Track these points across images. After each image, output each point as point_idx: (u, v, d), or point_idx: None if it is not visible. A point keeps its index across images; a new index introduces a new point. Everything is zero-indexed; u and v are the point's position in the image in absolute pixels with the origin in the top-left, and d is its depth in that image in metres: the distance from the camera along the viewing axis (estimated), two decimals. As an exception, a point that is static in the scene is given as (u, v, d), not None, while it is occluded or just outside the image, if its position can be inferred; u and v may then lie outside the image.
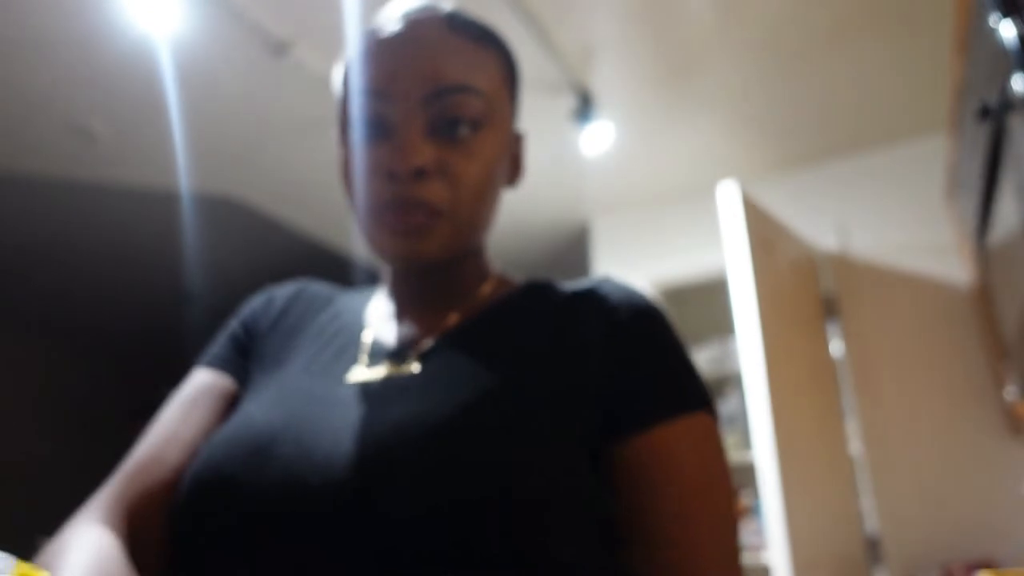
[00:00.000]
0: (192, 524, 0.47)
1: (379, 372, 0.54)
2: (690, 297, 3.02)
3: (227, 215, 3.12)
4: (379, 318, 0.62)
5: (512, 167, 0.64)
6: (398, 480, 0.43)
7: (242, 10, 1.92)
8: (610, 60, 2.22)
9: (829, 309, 2.55)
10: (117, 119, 2.40)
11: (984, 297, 1.97)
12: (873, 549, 2.26)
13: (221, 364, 0.62)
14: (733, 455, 2.54)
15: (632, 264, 3.03)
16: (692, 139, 2.67)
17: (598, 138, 2.44)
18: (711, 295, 2.84)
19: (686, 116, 2.52)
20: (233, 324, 0.66)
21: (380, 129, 0.54)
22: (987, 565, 2.06)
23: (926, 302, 2.45)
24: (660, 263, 2.96)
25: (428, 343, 0.56)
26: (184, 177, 2.74)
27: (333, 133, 0.61)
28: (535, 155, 2.38)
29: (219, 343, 0.65)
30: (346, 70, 0.57)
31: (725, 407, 2.71)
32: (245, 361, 0.63)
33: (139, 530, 0.50)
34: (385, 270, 0.64)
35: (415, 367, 0.54)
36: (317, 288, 0.70)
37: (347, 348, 0.58)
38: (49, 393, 4.74)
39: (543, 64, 2.13)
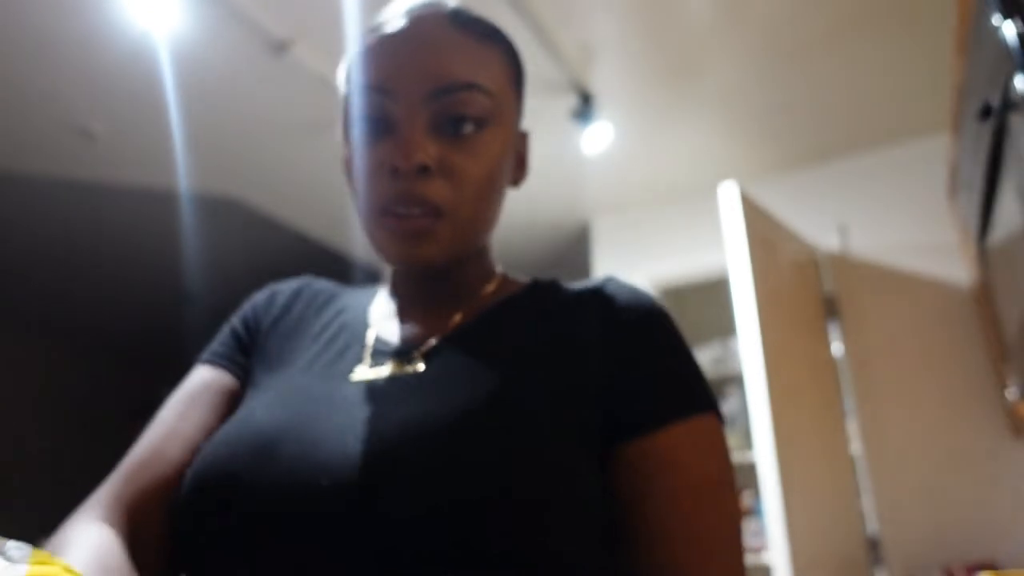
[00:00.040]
0: (194, 522, 0.47)
1: (383, 372, 0.54)
2: (690, 297, 3.02)
3: (227, 215, 3.12)
4: (382, 317, 0.62)
5: (517, 166, 0.63)
6: (404, 481, 0.43)
7: (241, 9, 1.92)
8: (610, 60, 2.22)
9: (830, 309, 2.54)
10: (116, 119, 2.40)
11: (985, 297, 1.97)
12: (873, 550, 2.26)
13: (222, 361, 0.62)
14: (733, 455, 2.53)
15: (632, 264, 3.02)
16: (692, 139, 2.67)
17: (598, 138, 2.44)
18: (711, 295, 2.84)
19: (687, 116, 2.52)
20: (235, 320, 0.66)
21: (383, 126, 0.54)
22: (988, 566, 2.06)
23: (927, 302, 2.45)
24: (660, 263, 2.96)
25: (432, 343, 0.56)
26: (183, 177, 2.74)
27: (337, 131, 0.61)
28: (535, 155, 2.37)
29: (220, 340, 0.64)
30: (350, 67, 0.57)
31: (726, 407, 2.71)
32: (247, 358, 0.62)
33: (139, 527, 0.50)
34: (387, 268, 0.64)
35: (419, 367, 0.53)
36: (320, 285, 0.69)
37: (350, 347, 0.58)
38: (49, 393, 4.74)
39: (543, 64, 2.12)
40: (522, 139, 0.63)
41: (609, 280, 0.59)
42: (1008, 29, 1.00)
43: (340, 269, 3.51)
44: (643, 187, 3.02)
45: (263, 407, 0.52)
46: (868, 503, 2.32)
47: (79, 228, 3.34)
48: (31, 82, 2.19)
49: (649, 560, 0.47)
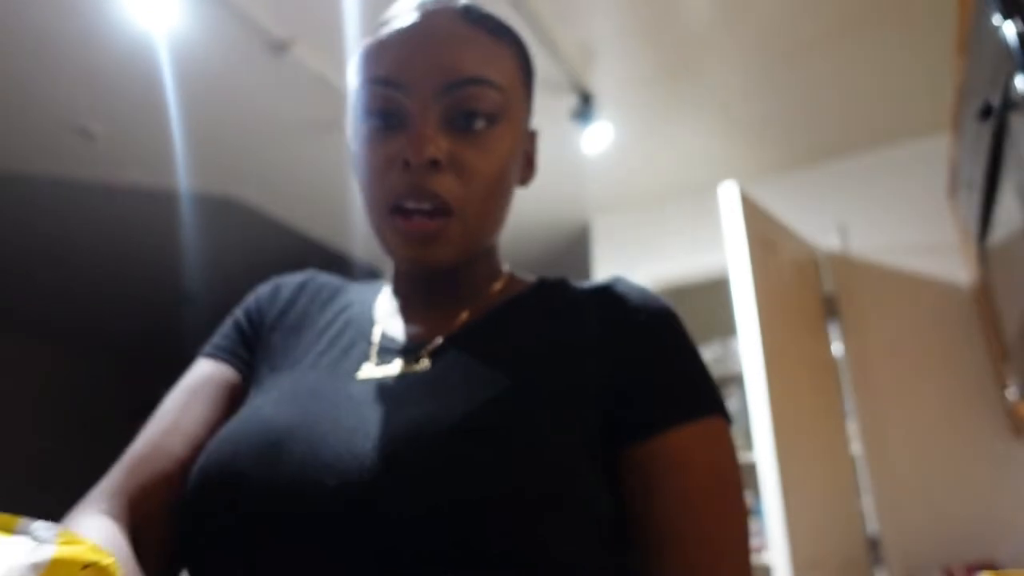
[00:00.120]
0: (198, 520, 0.47)
1: (389, 370, 0.54)
2: (690, 297, 3.02)
3: (227, 215, 3.12)
4: (387, 314, 0.61)
5: (525, 165, 0.63)
6: (412, 481, 0.43)
7: (241, 9, 1.92)
8: (610, 60, 2.22)
9: (830, 309, 2.54)
10: (116, 119, 2.40)
11: (985, 297, 1.97)
12: (873, 549, 2.26)
13: (224, 355, 0.61)
14: (733, 455, 2.53)
15: (632, 264, 3.02)
16: (692, 139, 2.67)
17: (598, 138, 2.44)
18: (712, 295, 2.84)
19: (686, 116, 2.52)
20: (238, 314, 0.65)
21: (394, 120, 0.53)
22: (988, 566, 2.06)
23: (927, 302, 2.45)
24: (660, 263, 2.96)
25: (439, 341, 0.56)
26: (183, 177, 2.74)
27: (346, 125, 0.60)
28: (535, 155, 2.38)
29: (223, 333, 0.64)
30: (360, 62, 0.56)
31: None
32: (249, 352, 0.62)
33: (141, 521, 0.50)
34: (390, 266, 0.64)
35: (425, 366, 0.53)
36: (324, 279, 0.69)
37: (356, 344, 0.58)
38: (49, 393, 4.74)
39: (543, 64, 2.12)
40: (531, 138, 0.63)
41: (618, 280, 0.59)
42: (1008, 29, 1.00)
43: (340, 269, 3.50)
44: (643, 187, 3.02)
45: (270, 405, 0.52)
46: (868, 503, 2.32)
47: (79, 228, 3.34)
48: (31, 82, 2.19)
49: (658, 561, 0.47)
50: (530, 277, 0.65)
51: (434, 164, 0.52)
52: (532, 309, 0.59)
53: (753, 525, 2.48)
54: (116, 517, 0.49)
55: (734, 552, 0.48)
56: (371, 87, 0.54)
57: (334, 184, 2.86)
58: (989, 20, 1.07)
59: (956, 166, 1.84)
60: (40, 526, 0.31)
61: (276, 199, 3.04)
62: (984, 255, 1.73)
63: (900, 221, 2.57)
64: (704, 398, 0.52)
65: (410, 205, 0.52)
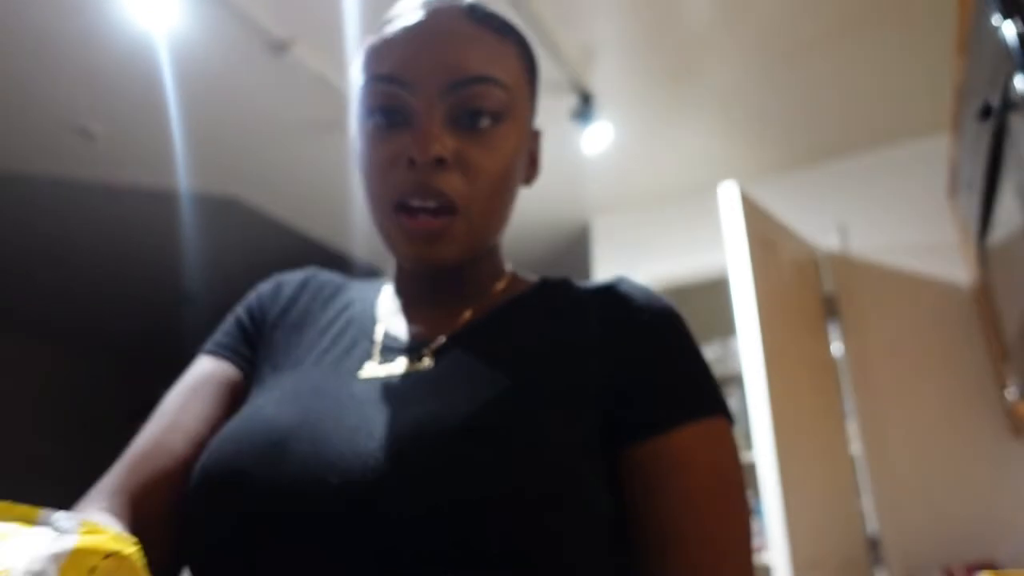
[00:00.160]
0: (200, 519, 0.47)
1: (392, 369, 0.53)
2: (690, 297, 3.02)
3: (227, 215, 3.12)
4: (389, 312, 0.61)
5: (529, 165, 0.62)
6: (414, 481, 0.43)
7: (241, 9, 1.92)
8: (610, 60, 2.22)
9: (830, 309, 2.54)
10: (116, 119, 2.40)
11: (985, 297, 1.97)
12: (873, 549, 2.26)
13: (225, 352, 0.61)
14: (733, 455, 2.53)
15: (632, 264, 3.02)
16: (692, 139, 2.67)
17: (598, 138, 2.44)
18: (712, 295, 2.84)
19: (686, 116, 2.52)
20: (239, 311, 0.65)
21: (399, 118, 0.53)
22: (988, 566, 2.06)
23: (927, 302, 2.45)
24: (660, 263, 2.96)
25: (441, 340, 0.55)
26: (183, 177, 2.74)
27: (350, 123, 0.60)
28: (535, 155, 2.38)
29: (224, 330, 0.64)
30: (364, 59, 0.56)
31: (725, 407, 2.71)
32: (251, 350, 0.62)
33: (142, 519, 0.50)
34: (392, 264, 0.63)
35: (428, 365, 0.53)
36: (325, 276, 0.69)
37: (358, 342, 0.58)
38: (49, 393, 4.74)
39: (543, 64, 2.12)
40: (535, 137, 0.63)
41: (621, 280, 0.59)
42: (1008, 29, 1.00)
43: (340, 269, 3.47)
44: (643, 187, 3.02)
45: (272, 403, 0.52)
46: (868, 503, 2.32)
47: (79, 228, 3.34)
48: (31, 82, 2.19)
49: (660, 561, 0.47)
50: (533, 277, 0.65)
51: (440, 162, 0.51)
52: (535, 309, 0.59)
53: (753, 525, 2.48)
54: (117, 515, 0.49)
55: (736, 552, 0.48)
56: (376, 84, 0.54)
57: (334, 184, 2.86)
58: (989, 20, 1.07)
59: (956, 166, 1.84)
60: (61, 516, 0.31)
61: (276, 199, 3.04)
62: (984, 255, 1.73)
63: (900, 221, 2.57)
64: (706, 398, 0.52)
65: (415, 203, 0.52)
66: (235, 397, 0.58)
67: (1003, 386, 2.00)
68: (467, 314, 0.58)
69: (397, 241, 0.54)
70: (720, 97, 2.41)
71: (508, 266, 0.65)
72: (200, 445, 0.53)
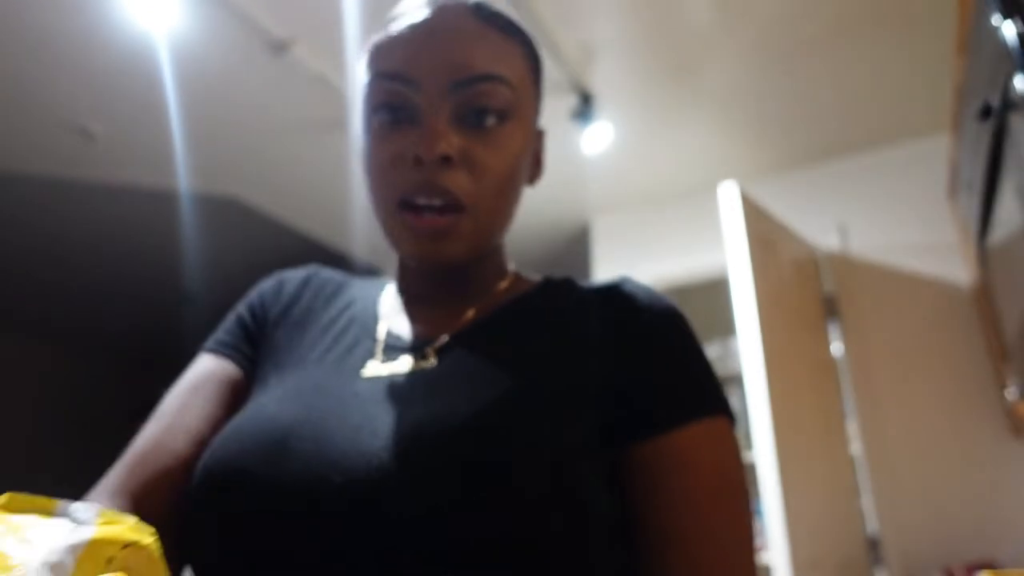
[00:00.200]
0: (203, 517, 0.47)
1: (395, 367, 0.53)
2: (690, 297, 3.02)
3: (227, 215, 3.12)
4: (392, 311, 0.61)
5: (533, 164, 0.62)
6: (417, 480, 0.42)
7: (241, 9, 1.92)
8: (610, 60, 2.22)
9: (830, 309, 2.54)
10: (116, 119, 2.40)
11: (985, 297, 1.97)
12: (873, 550, 2.26)
13: (226, 350, 0.61)
14: (733, 455, 2.53)
15: (632, 264, 3.02)
16: (692, 139, 2.67)
17: (598, 138, 2.44)
18: (712, 295, 2.84)
19: (686, 116, 2.52)
20: (241, 308, 0.65)
21: (405, 115, 0.53)
22: (988, 566, 2.05)
23: (927, 302, 2.45)
24: (660, 263, 2.96)
25: (444, 339, 0.55)
26: (183, 177, 2.74)
27: (354, 121, 0.60)
28: (535, 155, 2.38)
29: (225, 328, 0.63)
30: (370, 56, 0.56)
31: (725, 407, 2.71)
32: (252, 348, 0.62)
33: (143, 518, 0.49)
34: (396, 263, 0.63)
35: (431, 364, 0.53)
36: (327, 274, 0.68)
37: (360, 341, 0.57)
38: (49, 393, 4.74)
39: (544, 64, 2.12)
40: (539, 137, 0.63)
41: (625, 280, 0.59)
42: (1008, 29, 1.00)
43: (340, 269, 3.50)
44: (643, 187, 3.02)
45: (274, 401, 0.52)
46: (868, 503, 2.32)
47: (79, 228, 3.34)
48: (31, 82, 2.19)
49: (662, 561, 0.47)
50: (536, 276, 0.65)
51: (446, 160, 0.51)
52: (538, 308, 0.58)
53: (754, 525, 2.48)
54: None
55: (738, 551, 0.48)
56: (381, 82, 0.53)
57: (334, 184, 2.85)
58: (989, 20, 1.07)
59: (956, 166, 1.84)
60: (80, 507, 0.31)
61: (276, 199, 3.04)
62: (984, 255, 1.73)
63: (900, 221, 2.57)
64: (709, 398, 0.52)
65: (421, 201, 0.52)
66: (236, 395, 0.58)
67: (1003, 386, 2.00)
68: (470, 313, 0.58)
69: (402, 239, 0.54)
70: (720, 97, 2.41)
71: (511, 265, 0.65)
72: (201, 444, 0.53)
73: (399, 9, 0.56)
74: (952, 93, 1.58)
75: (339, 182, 2.81)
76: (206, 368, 0.59)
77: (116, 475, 0.52)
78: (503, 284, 0.62)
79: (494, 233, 0.57)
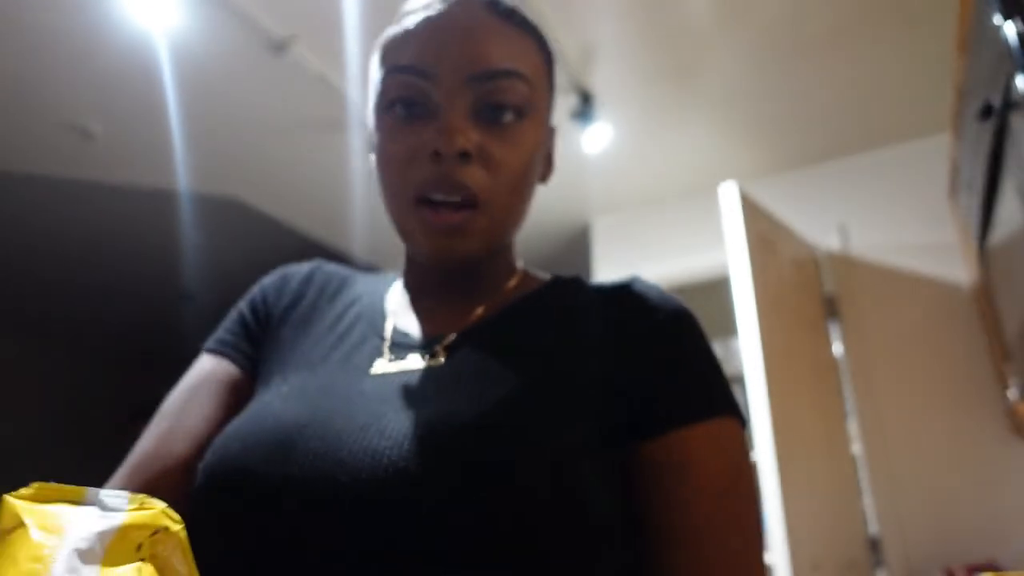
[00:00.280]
0: (206, 517, 0.46)
1: (402, 366, 0.53)
2: (691, 297, 2.99)
3: (227, 215, 3.12)
4: (399, 308, 0.60)
5: (545, 162, 0.62)
6: (427, 481, 0.42)
7: (241, 8, 1.92)
8: (610, 60, 2.21)
9: (830, 309, 2.54)
10: (116, 118, 2.39)
11: (986, 297, 1.96)
12: (874, 550, 2.26)
13: (225, 349, 0.60)
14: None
15: (632, 264, 3.02)
16: (692, 139, 2.67)
17: (598, 138, 2.44)
18: (712, 295, 2.83)
19: (686, 116, 2.52)
20: (243, 306, 0.64)
21: (421, 110, 0.53)
22: (989, 567, 2.05)
23: (928, 302, 2.45)
24: (660, 263, 2.96)
25: (452, 337, 0.55)
26: (183, 176, 2.74)
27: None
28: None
29: (226, 326, 0.63)
30: (383, 50, 0.55)
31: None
32: (253, 347, 0.61)
33: None
34: (403, 260, 0.63)
35: (439, 362, 0.53)
36: (331, 269, 0.68)
37: (367, 338, 0.57)
38: (49, 393, 4.74)
39: (544, 64, 2.12)
40: (551, 134, 0.62)
41: (635, 280, 0.58)
42: (1009, 29, 1.00)
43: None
44: (643, 187, 3.01)
45: (280, 400, 0.51)
46: (868, 503, 2.32)
47: (78, 228, 3.34)
48: (30, 81, 2.19)
49: (669, 559, 0.47)
50: (544, 274, 0.64)
51: (464, 156, 0.51)
52: (547, 307, 0.58)
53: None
54: None
55: (745, 552, 0.48)
56: (397, 75, 0.53)
57: (334, 184, 2.85)
58: (989, 20, 1.07)
59: (956, 166, 1.84)
60: (109, 494, 0.31)
61: (275, 198, 3.03)
62: (985, 255, 1.73)
63: (901, 221, 2.57)
64: (718, 399, 0.52)
65: (438, 197, 0.51)
66: (237, 396, 0.58)
67: (1004, 386, 2.00)
68: (479, 311, 0.58)
69: (417, 235, 0.53)
70: (720, 97, 2.41)
71: (519, 263, 0.64)
72: (201, 446, 0.53)
73: (412, 4, 0.55)
74: (953, 93, 1.58)
75: (338, 181, 2.81)
76: (206, 369, 0.59)
77: (118, 481, 0.52)
78: (512, 282, 0.61)
79: (508, 230, 0.56)
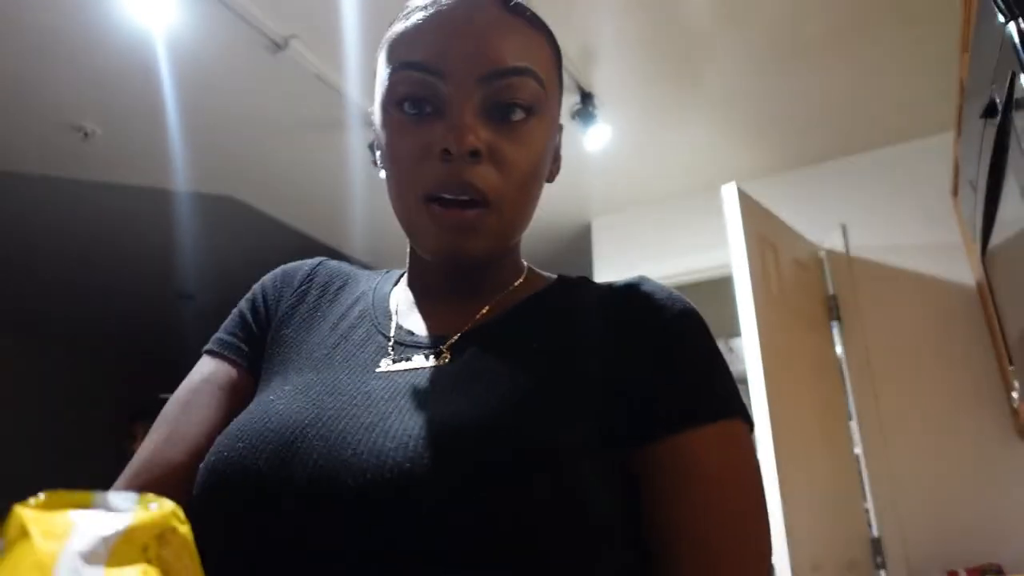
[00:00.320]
0: (209, 518, 0.45)
1: (407, 365, 0.52)
2: (691, 297, 2.99)
3: (225, 214, 3.12)
4: (403, 307, 0.60)
5: (553, 160, 0.61)
6: (432, 482, 0.42)
7: (240, 8, 1.92)
8: (611, 60, 2.21)
9: (832, 309, 2.54)
10: (115, 118, 2.39)
11: (989, 297, 1.96)
12: (876, 551, 2.26)
13: (225, 351, 0.60)
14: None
15: (632, 264, 3.02)
16: (693, 139, 2.66)
17: (599, 138, 2.44)
18: (713, 295, 2.83)
19: (687, 116, 2.52)
20: (244, 305, 0.64)
21: (428, 107, 0.52)
22: (992, 569, 2.05)
23: (930, 302, 2.44)
24: (661, 263, 2.96)
25: (458, 337, 0.54)
26: (182, 176, 2.74)
27: (375, 113, 0.58)
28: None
29: (227, 327, 0.62)
30: (391, 47, 0.54)
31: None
32: (255, 346, 0.60)
33: None
34: (408, 258, 0.62)
35: (444, 361, 0.52)
36: (333, 267, 0.67)
37: (371, 338, 0.56)
38: (49, 393, 4.74)
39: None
40: (559, 132, 0.62)
41: (643, 280, 0.58)
42: (1012, 28, 0.99)
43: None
44: (643, 187, 3.01)
45: (283, 399, 0.50)
46: (869, 504, 2.32)
47: (78, 227, 3.34)
48: (30, 81, 2.19)
49: (674, 560, 0.47)
50: (550, 275, 0.64)
51: (474, 154, 0.50)
52: (553, 307, 0.58)
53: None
54: None
55: (750, 553, 0.47)
56: (405, 72, 0.52)
57: (333, 184, 2.85)
58: (992, 19, 1.07)
59: (959, 165, 1.83)
60: (117, 496, 0.30)
61: (274, 198, 3.03)
62: (987, 255, 1.72)
63: (903, 220, 2.56)
64: (725, 401, 0.51)
65: (448, 196, 0.50)
66: (237, 397, 0.57)
67: (1007, 388, 2.00)
68: (484, 310, 0.57)
69: (426, 233, 0.52)
70: (721, 97, 2.40)
71: (525, 263, 0.64)
72: (199, 452, 0.52)
73: (415, 1, 0.54)
74: (955, 92, 1.57)
75: (338, 182, 2.81)
76: (206, 372, 0.58)
77: (119, 487, 0.52)
78: (518, 281, 0.61)
79: (516, 230, 0.56)
